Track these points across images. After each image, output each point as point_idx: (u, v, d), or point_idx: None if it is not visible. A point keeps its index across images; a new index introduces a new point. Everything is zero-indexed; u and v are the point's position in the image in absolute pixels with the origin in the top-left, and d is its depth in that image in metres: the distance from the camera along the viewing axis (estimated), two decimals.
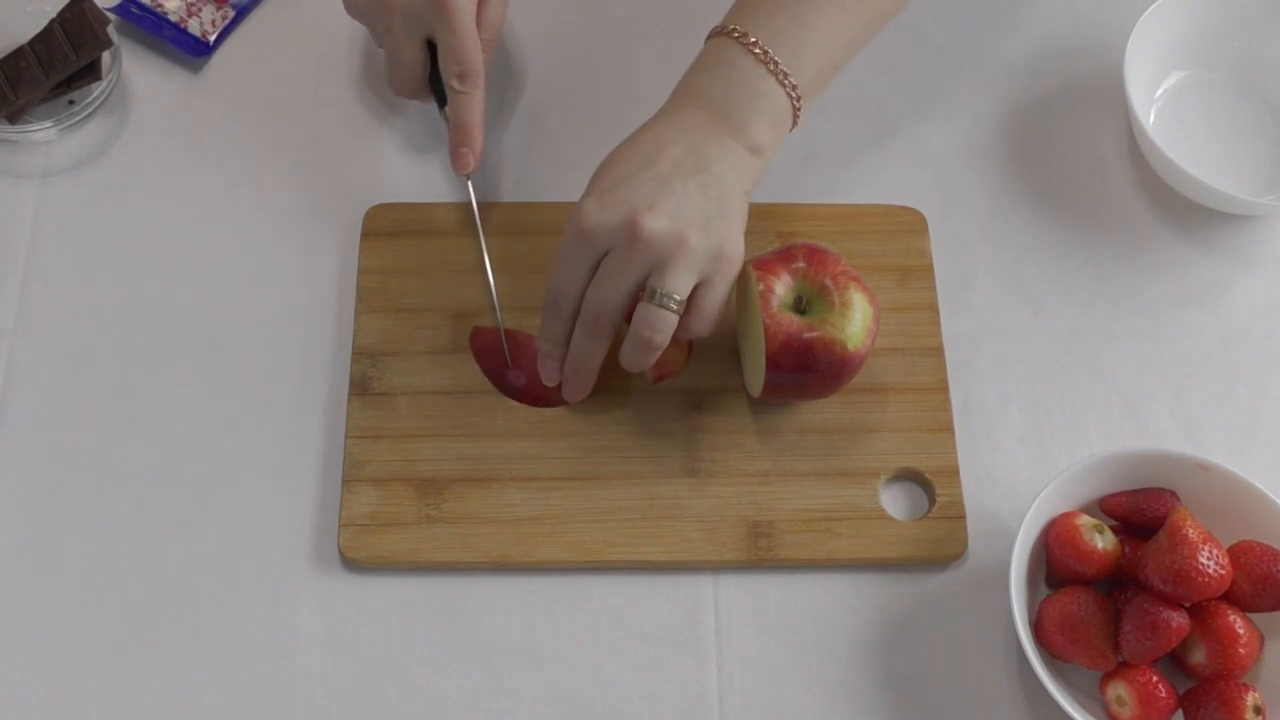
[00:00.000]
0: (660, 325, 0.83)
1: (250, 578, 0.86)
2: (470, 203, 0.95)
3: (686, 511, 0.88)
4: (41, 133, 0.98)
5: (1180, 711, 0.82)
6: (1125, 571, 0.84)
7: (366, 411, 0.90)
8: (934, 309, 0.95)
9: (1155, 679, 0.81)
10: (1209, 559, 0.80)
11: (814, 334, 0.85)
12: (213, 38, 1.03)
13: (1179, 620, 0.80)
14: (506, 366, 0.91)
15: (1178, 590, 0.80)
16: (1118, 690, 0.81)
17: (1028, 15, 1.08)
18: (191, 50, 1.03)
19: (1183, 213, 1.00)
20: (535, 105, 1.03)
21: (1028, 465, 0.92)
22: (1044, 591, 0.86)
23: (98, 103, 0.99)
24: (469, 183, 0.96)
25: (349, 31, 1.01)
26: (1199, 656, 0.82)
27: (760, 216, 0.93)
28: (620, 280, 0.83)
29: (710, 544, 0.87)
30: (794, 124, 0.89)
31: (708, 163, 0.85)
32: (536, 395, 0.91)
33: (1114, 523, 0.86)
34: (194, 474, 0.89)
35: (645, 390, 0.91)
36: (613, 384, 0.90)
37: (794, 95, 0.87)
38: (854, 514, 0.88)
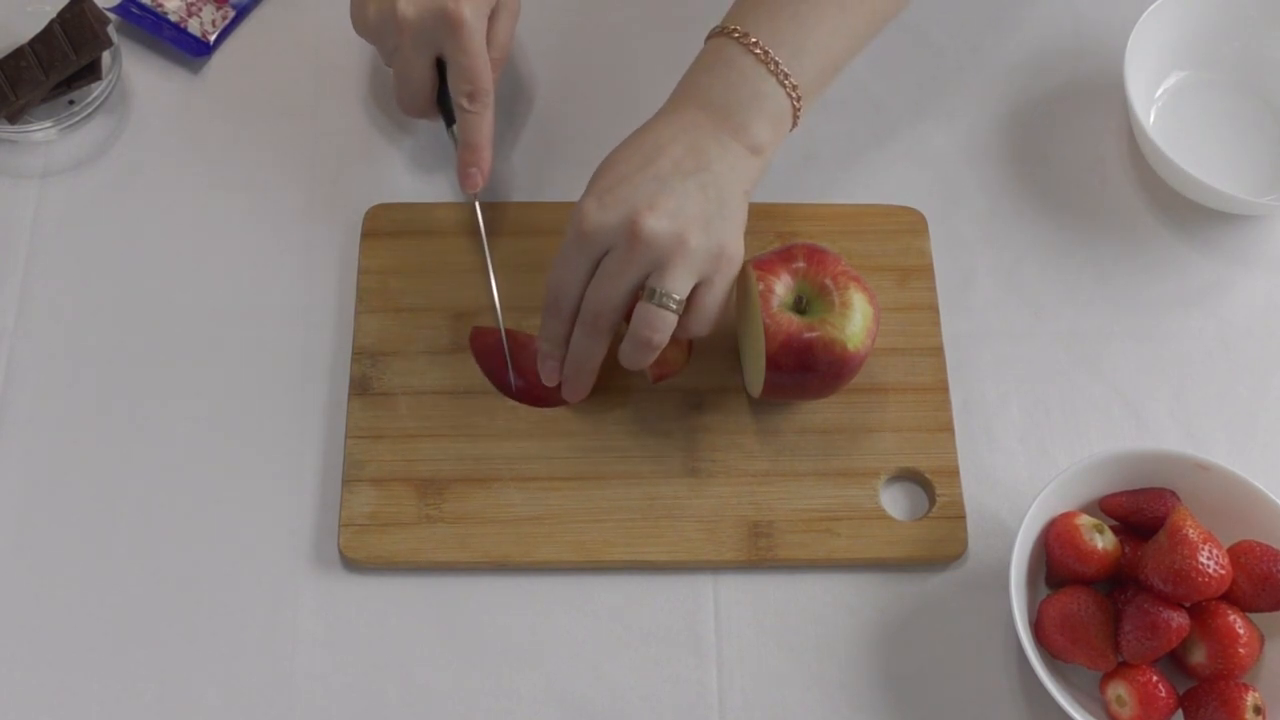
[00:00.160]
0: (660, 325, 0.83)
1: (250, 578, 0.86)
2: (473, 204, 0.95)
3: (686, 511, 0.88)
4: (41, 133, 0.98)
5: (1180, 711, 0.82)
6: (1125, 571, 0.84)
7: (366, 411, 0.90)
8: (934, 309, 0.95)
9: (1155, 679, 0.81)
10: (1209, 559, 0.80)
11: (814, 334, 0.85)
12: (213, 38, 1.03)
13: (1179, 620, 0.80)
14: (506, 366, 0.91)
15: (1178, 590, 0.80)
16: (1118, 690, 0.81)
17: (1028, 15, 1.08)
18: (191, 50, 1.03)
19: (1183, 213, 1.00)
20: (536, 105, 1.03)
21: (1028, 465, 0.92)
22: (1044, 591, 0.86)
23: (98, 103, 0.99)
24: (475, 203, 0.95)
25: (349, 31, 1.01)
26: (1199, 656, 0.82)
27: (760, 216, 0.93)
28: (620, 280, 0.83)
29: (710, 544, 0.87)
30: (794, 124, 0.89)
31: (708, 162, 0.85)
32: (536, 395, 0.91)
33: (1114, 523, 0.86)
34: (194, 474, 0.89)
35: (645, 390, 0.91)
36: (612, 384, 0.90)
37: (794, 95, 0.87)
38: (854, 514, 0.88)
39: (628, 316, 0.85)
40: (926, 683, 0.85)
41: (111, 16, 1.01)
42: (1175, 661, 0.84)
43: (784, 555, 0.87)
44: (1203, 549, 0.80)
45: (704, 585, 0.87)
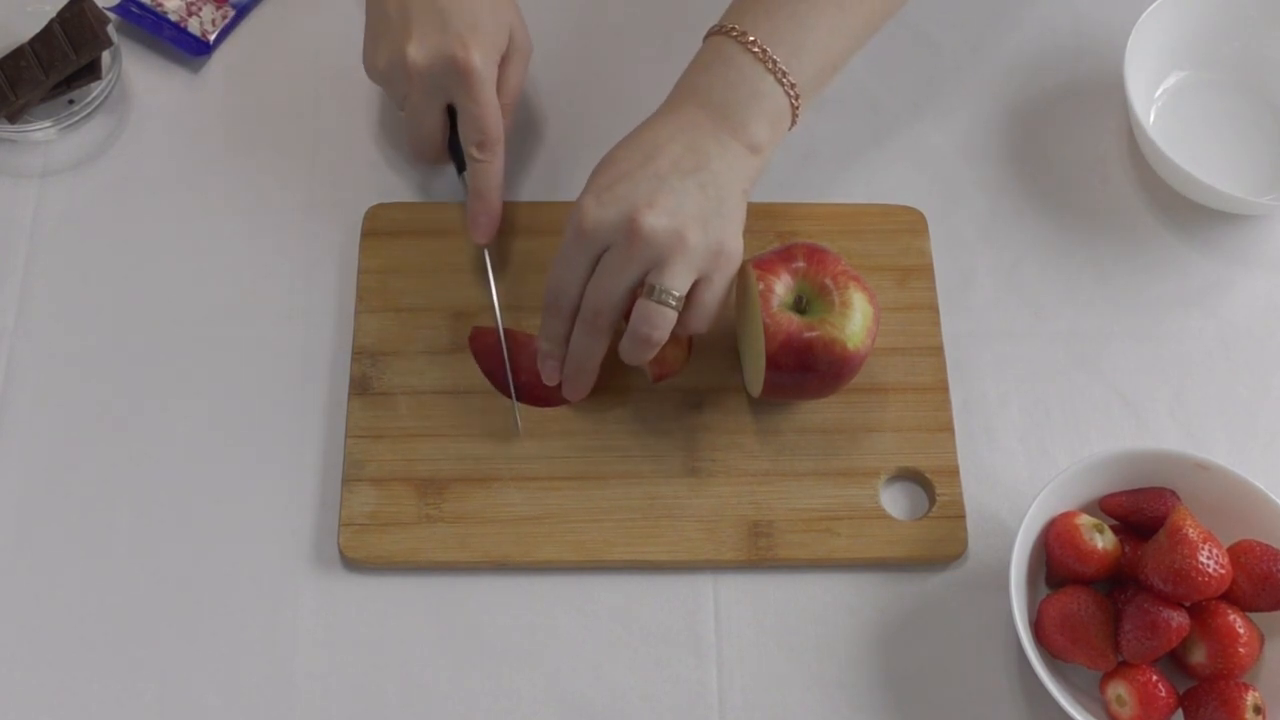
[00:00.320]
0: (659, 322, 0.83)
1: (250, 578, 0.86)
2: (486, 272, 0.94)
3: (686, 511, 0.88)
4: (41, 132, 0.98)
5: (1180, 711, 0.82)
6: (1125, 571, 0.84)
7: (366, 411, 0.90)
8: (934, 309, 0.95)
9: (1155, 679, 0.81)
10: (1209, 558, 0.80)
11: (814, 334, 0.85)
12: (213, 37, 1.03)
13: (1179, 620, 0.80)
14: (506, 366, 0.91)
15: (1178, 590, 0.80)
16: (1118, 690, 0.81)
17: (1028, 15, 1.08)
18: (191, 50, 1.03)
19: (1183, 213, 1.00)
20: (535, 105, 1.03)
21: (1028, 465, 0.92)
22: (1044, 591, 0.86)
23: (97, 102, 0.99)
24: (485, 251, 0.94)
25: (349, 32, 1.01)
26: (1199, 656, 0.82)
27: (760, 216, 0.93)
28: (620, 277, 0.83)
29: (710, 544, 0.87)
30: (793, 123, 0.89)
31: (706, 160, 0.85)
32: (536, 395, 0.90)
33: (1114, 522, 0.86)
34: (194, 474, 0.89)
35: (645, 390, 0.91)
36: (613, 383, 0.90)
37: (792, 94, 0.87)
38: (854, 514, 0.88)
39: (627, 315, 0.85)
40: (926, 683, 0.85)
41: (111, 16, 1.01)
42: (1175, 661, 0.84)
43: (784, 555, 0.87)
44: (1203, 548, 0.80)
45: (704, 585, 0.87)
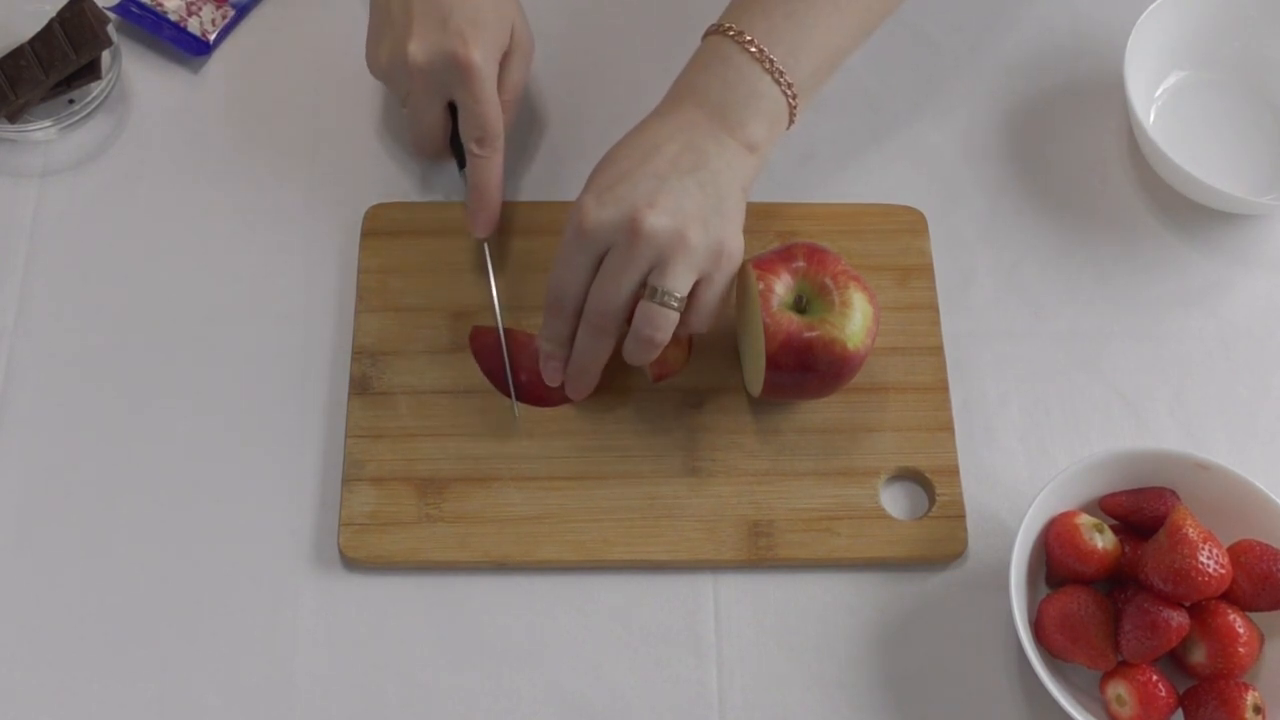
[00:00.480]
0: (662, 323, 0.83)
1: (250, 578, 0.86)
2: (486, 267, 0.94)
3: (686, 511, 0.88)
4: (41, 132, 0.98)
5: (1180, 711, 0.82)
6: (1125, 571, 0.84)
7: (366, 411, 0.90)
8: (934, 309, 0.95)
9: (1155, 678, 0.81)
10: (1209, 558, 0.80)
11: (814, 333, 0.85)
12: (212, 37, 1.03)
13: (1179, 619, 0.80)
14: (505, 366, 0.91)
15: (1178, 589, 0.80)
16: (1118, 690, 0.81)
17: (1027, 14, 1.08)
18: (191, 49, 1.03)
19: (1183, 213, 1.00)
20: (536, 104, 1.03)
21: (1028, 465, 0.92)
22: (1044, 591, 0.86)
23: (97, 102, 0.99)
24: (485, 245, 0.95)
25: (349, 31, 1.01)
26: (1199, 656, 0.82)
27: (759, 216, 0.94)
28: (622, 278, 0.83)
29: (710, 543, 0.87)
30: (790, 122, 0.89)
31: (705, 160, 0.85)
32: (537, 394, 0.90)
33: (1114, 522, 0.86)
34: (194, 474, 0.89)
35: (645, 389, 0.91)
36: (613, 383, 0.90)
37: (790, 94, 0.87)
38: (854, 513, 0.88)
39: (629, 312, 0.85)
40: (926, 683, 0.85)
41: (111, 16, 1.01)
42: (1175, 661, 0.84)
43: (784, 555, 0.87)
44: (1203, 548, 0.80)
45: (704, 585, 0.87)
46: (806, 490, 0.89)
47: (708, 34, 0.89)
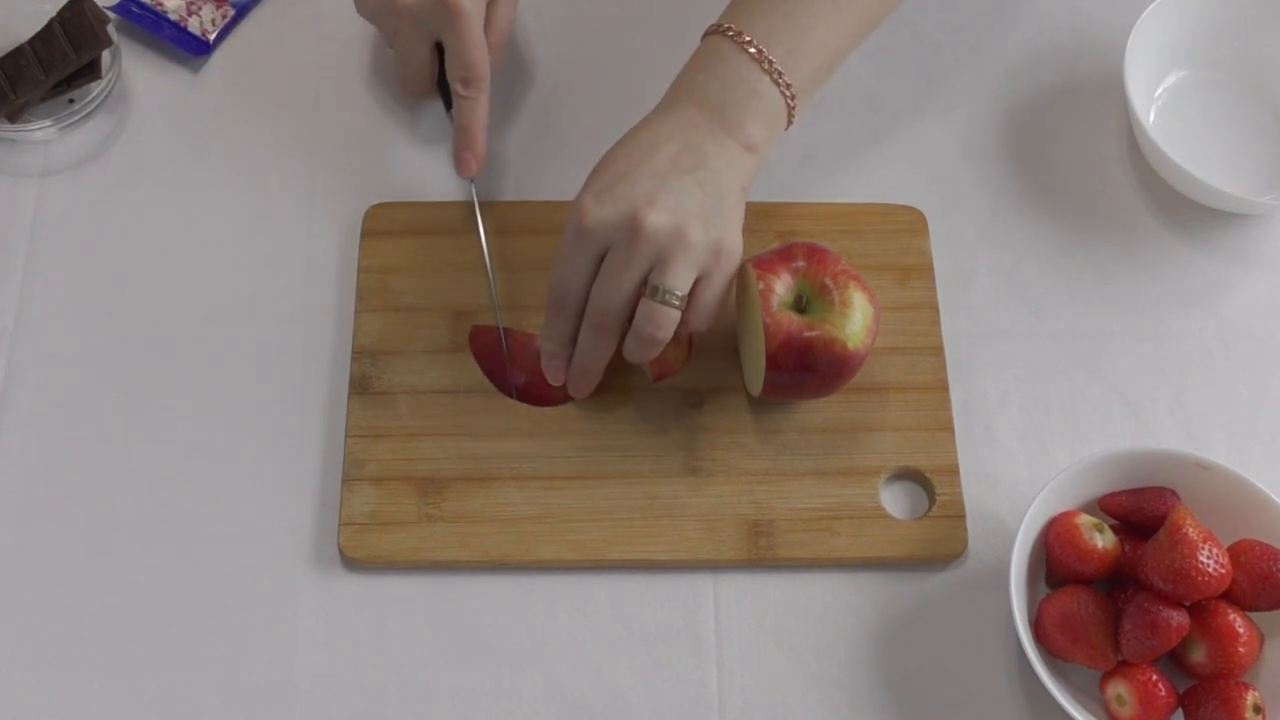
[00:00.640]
0: (663, 322, 0.83)
1: (250, 578, 0.86)
2: (473, 203, 0.95)
3: (686, 510, 0.88)
4: (41, 132, 0.98)
5: (1180, 711, 0.82)
6: (1125, 571, 0.84)
7: (366, 410, 0.90)
8: (934, 308, 0.95)
9: (1155, 678, 0.81)
10: (1209, 558, 0.80)
11: (814, 333, 0.85)
12: (213, 36, 1.03)
13: (1179, 619, 0.80)
14: (506, 365, 0.91)
15: (1178, 589, 0.80)
16: (1118, 689, 0.81)
17: (1027, 14, 1.08)
18: (191, 49, 1.03)
19: (1183, 213, 1.00)
20: (536, 103, 1.03)
21: (1028, 464, 0.92)
22: (1044, 591, 0.86)
23: (97, 102, 0.99)
24: (472, 185, 0.96)
25: (349, 30, 1.01)
26: (1199, 655, 0.82)
27: (759, 216, 0.94)
28: (623, 278, 0.83)
29: (710, 543, 0.87)
30: (789, 123, 0.89)
31: (704, 159, 0.85)
32: (537, 394, 0.91)
33: (1114, 522, 0.86)
34: (194, 474, 0.89)
35: (645, 389, 0.91)
36: (613, 383, 0.90)
37: (788, 94, 0.87)
38: (854, 513, 0.88)
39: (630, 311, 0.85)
40: (926, 682, 0.85)
41: (111, 15, 1.01)
42: (1175, 660, 0.84)
43: (784, 554, 0.87)
44: (1203, 548, 0.80)
45: (704, 584, 0.87)
46: (806, 490, 0.89)
47: (707, 34, 0.89)
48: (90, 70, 0.99)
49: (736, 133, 0.87)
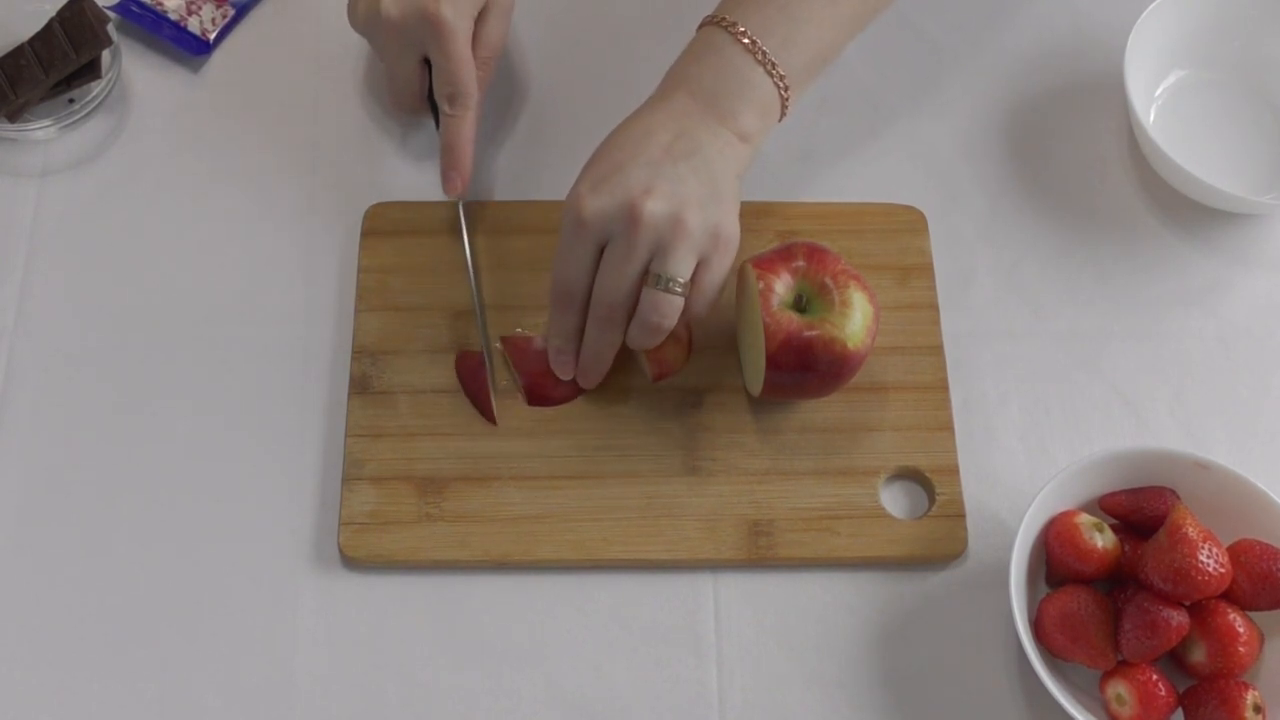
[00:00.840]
0: (667, 310, 0.83)
1: (250, 577, 0.86)
2: (459, 220, 0.95)
3: (686, 510, 0.88)
4: (41, 131, 0.98)
5: (1180, 710, 0.82)
6: (1125, 570, 0.84)
7: (366, 410, 0.90)
8: (934, 308, 0.95)
9: (1155, 678, 0.81)
10: (1209, 557, 0.80)
11: (814, 333, 0.85)
12: (212, 36, 1.03)
13: (1179, 619, 0.80)
14: (489, 391, 0.90)
15: (1177, 589, 0.80)
16: (1117, 689, 0.81)
17: (1027, 14, 1.08)
18: (191, 49, 1.03)
19: (1183, 213, 1.00)
20: (529, 102, 1.03)
21: (1028, 464, 0.92)
22: (1044, 590, 0.86)
23: (97, 101, 0.99)
24: (459, 205, 0.96)
25: (349, 30, 1.01)
26: (1199, 655, 0.82)
27: (759, 215, 0.94)
28: (625, 268, 0.83)
29: (710, 543, 0.87)
30: (782, 114, 0.89)
31: (698, 146, 0.85)
32: (539, 394, 0.90)
33: (1114, 521, 0.86)
34: (194, 474, 0.89)
35: (645, 389, 0.91)
36: (613, 383, 0.90)
37: (782, 85, 0.87)
38: (854, 513, 0.88)
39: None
40: (926, 682, 0.85)
41: (111, 15, 1.01)
42: (1175, 660, 0.84)
43: (784, 554, 0.87)
44: (1203, 548, 0.80)
45: (704, 584, 0.87)
46: (806, 489, 0.89)
47: (702, 25, 0.90)
48: (90, 70, 0.99)
49: (729, 122, 0.87)
